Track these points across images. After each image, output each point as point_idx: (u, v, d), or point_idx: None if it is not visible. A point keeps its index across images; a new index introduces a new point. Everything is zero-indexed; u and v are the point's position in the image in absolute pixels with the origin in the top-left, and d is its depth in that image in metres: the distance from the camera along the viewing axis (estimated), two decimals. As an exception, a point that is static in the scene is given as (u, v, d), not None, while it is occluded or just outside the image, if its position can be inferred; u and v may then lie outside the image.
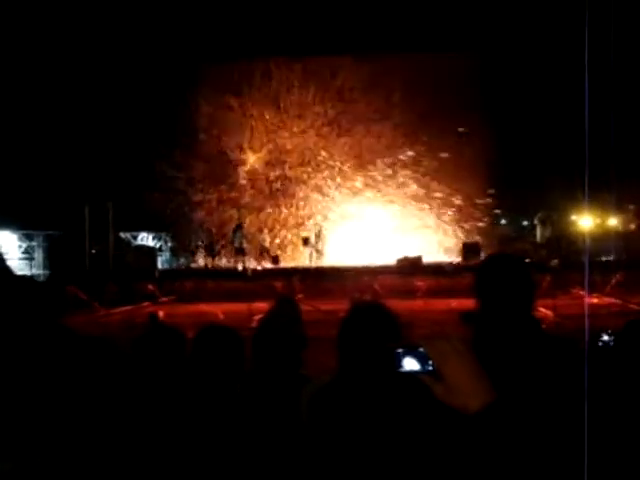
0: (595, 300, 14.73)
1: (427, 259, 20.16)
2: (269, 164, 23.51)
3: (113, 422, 2.23)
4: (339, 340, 2.28)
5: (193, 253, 22.66)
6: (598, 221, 21.00)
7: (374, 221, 22.73)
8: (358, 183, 23.27)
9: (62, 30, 20.02)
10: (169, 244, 23.78)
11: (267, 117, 23.55)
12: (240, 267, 20.48)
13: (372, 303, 2.40)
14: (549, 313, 10.91)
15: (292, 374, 2.61)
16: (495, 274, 2.26)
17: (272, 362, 2.63)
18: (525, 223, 26.03)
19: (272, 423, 2.32)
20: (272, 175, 23.46)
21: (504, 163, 22.15)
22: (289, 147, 23.46)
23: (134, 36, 20.98)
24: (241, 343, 2.49)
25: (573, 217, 21.69)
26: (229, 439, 2.27)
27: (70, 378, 2.19)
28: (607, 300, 14.73)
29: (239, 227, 21.47)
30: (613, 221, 21.47)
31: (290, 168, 23.45)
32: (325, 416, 2.16)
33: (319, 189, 23.31)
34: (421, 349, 1.48)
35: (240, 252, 20.97)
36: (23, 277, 2.46)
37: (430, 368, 1.47)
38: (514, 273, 2.24)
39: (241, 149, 23.62)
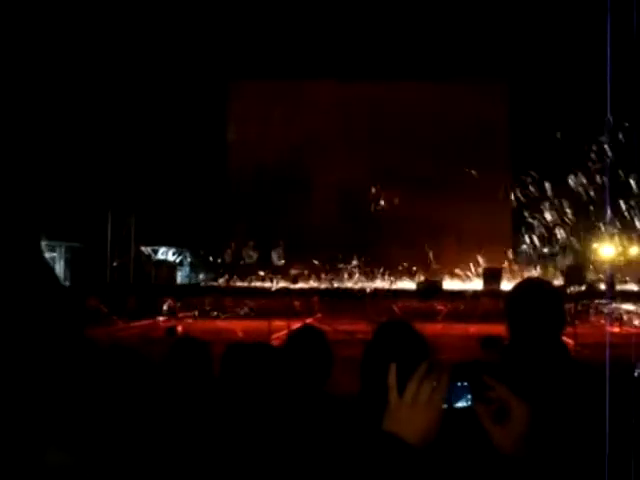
0: (616, 329, 14.60)
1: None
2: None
3: (140, 432, 2.25)
4: (365, 356, 2.28)
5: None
6: (620, 249, 20.84)
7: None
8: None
9: (96, 48, 20.36)
10: (189, 259, 23.86)
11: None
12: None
13: (399, 321, 2.41)
14: (570, 341, 10.83)
15: (316, 392, 2.62)
16: (528, 299, 2.25)
17: (299, 379, 2.64)
18: (545, 250, 25.88)
19: (296, 439, 2.34)
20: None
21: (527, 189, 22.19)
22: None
23: (161, 51, 21.34)
24: (274, 360, 2.53)
25: (595, 245, 21.52)
26: (255, 455, 2.30)
27: (100, 387, 2.22)
28: (628, 329, 14.59)
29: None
30: (635, 249, 21.29)
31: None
32: (347, 435, 2.17)
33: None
34: (461, 383, 1.45)
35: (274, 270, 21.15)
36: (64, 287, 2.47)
37: (470, 403, 1.45)
38: (546, 298, 2.23)
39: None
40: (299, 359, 2.65)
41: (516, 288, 2.36)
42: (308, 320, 14.31)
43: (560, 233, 22.05)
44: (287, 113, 23.75)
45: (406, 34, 21.37)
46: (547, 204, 22.37)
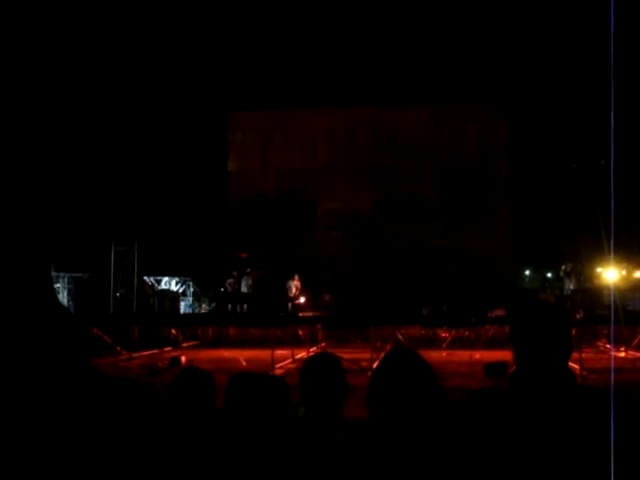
0: (622, 354, 14.51)
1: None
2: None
3: (143, 468, 2.24)
4: (372, 384, 2.27)
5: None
6: (624, 273, 20.79)
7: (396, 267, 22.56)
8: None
9: (97, 75, 20.55)
10: (192, 289, 23.87)
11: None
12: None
13: (406, 349, 2.40)
14: (575, 366, 10.76)
15: (332, 416, 2.63)
16: (534, 324, 2.21)
17: (318, 406, 2.65)
18: (549, 275, 25.84)
19: (312, 464, 2.33)
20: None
21: (529, 215, 22.19)
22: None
23: (165, 80, 21.55)
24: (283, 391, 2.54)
25: (599, 269, 21.48)
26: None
27: (100, 421, 2.21)
28: (634, 354, 14.50)
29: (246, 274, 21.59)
30: (639, 273, 21.25)
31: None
32: (357, 460, 2.16)
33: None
34: None
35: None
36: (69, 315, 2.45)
37: None
38: (554, 323, 2.21)
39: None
40: (315, 384, 2.65)
41: (522, 312, 2.30)
42: (312, 349, 14.24)
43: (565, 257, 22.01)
44: (287, 142, 23.84)
45: (405, 59, 21.56)
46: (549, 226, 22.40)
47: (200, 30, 21.38)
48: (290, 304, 20.83)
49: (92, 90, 20.77)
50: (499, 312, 18.08)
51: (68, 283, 21.76)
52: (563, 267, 21.40)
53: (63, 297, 21.31)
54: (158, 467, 2.27)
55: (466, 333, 17.63)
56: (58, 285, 21.33)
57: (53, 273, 20.97)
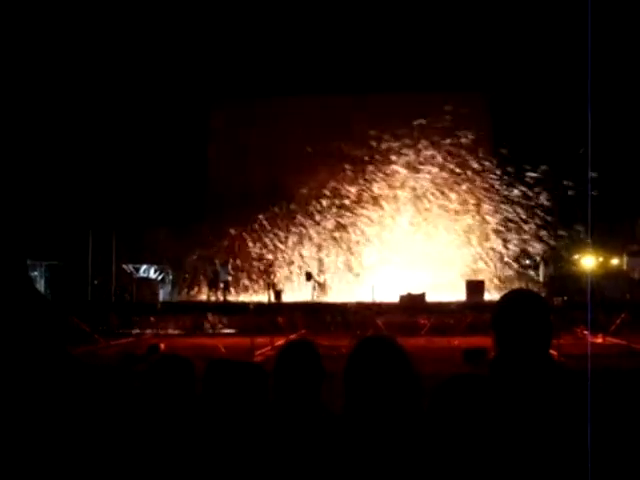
0: (599, 340, 14.65)
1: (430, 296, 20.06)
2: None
3: (121, 455, 2.22)
4: (346, 372, 2.25)
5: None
6: (601, 260, 20.96)
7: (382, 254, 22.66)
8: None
9: (80, 66, 20.35)
10: (171, 276, 23.70)
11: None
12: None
13: (379, 336, 2.39)
14: (553, 352, 10.82)
15: (311, 403, 2.60)
16: (516, 311, 2.21)
17: (294, 392, 2.62)
18: (527, 262, 25.98)
19: (292, 451, 2.31)
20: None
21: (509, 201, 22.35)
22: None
23: (146, 69, 21.37)
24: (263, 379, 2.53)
25: (576, 256, 21.63)
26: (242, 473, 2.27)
27: (78, 408, 2.18)
28: (611, 340, 14.64)
29: (226, 262, 21.65)
30: (615, 260, 21.42)
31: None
32: (339, 448, 2.14)
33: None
34: None
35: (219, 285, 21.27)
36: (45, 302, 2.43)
37: None
38: (535, 310, 2.21)
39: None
40: (290, 370, 2.63)
41: (504, 299, 2.30)
42: (292, 336, 14.21)
43: (542, 244, 22.17)
44: (266, 130, 23.61)
45: (387, 47, 21.52)
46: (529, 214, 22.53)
47: (181, 21, 21.22)
48: (272, 291, 20.89)
49: (69, 79, 20.52)
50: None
51: (45, 271, 21.52)
52: (541, 254, 21.55)
53: (40, 286, 21.06)
54: (136, 453, 2.25)
55: (445, 320, 17.70)
56: (35, 273, 21.08)
57: (29, 262, 20.73)
